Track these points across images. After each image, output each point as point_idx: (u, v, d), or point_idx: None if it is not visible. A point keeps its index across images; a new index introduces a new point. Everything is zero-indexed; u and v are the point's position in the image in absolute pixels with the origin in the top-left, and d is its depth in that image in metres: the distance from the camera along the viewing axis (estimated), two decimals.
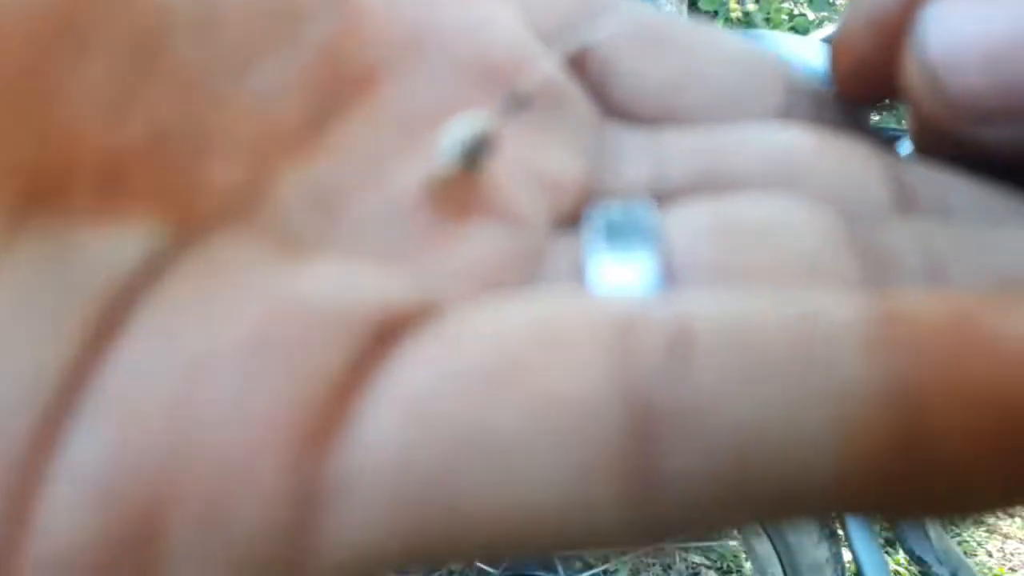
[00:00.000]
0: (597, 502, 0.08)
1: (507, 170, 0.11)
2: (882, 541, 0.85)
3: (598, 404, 0.08)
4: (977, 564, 1.16)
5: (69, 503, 0.08)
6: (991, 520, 1.20)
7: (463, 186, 0.11)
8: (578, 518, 0.08)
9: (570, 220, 0.12)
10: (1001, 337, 0.08)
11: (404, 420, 0.08)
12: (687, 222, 0.11)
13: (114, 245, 0.09)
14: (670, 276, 0.10)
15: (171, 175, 0.10)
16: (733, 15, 1.72)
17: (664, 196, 0.12)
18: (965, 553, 1.16)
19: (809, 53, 0.91)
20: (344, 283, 0.09)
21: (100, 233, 0.09)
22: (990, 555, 1.17)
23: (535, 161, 0.12)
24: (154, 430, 0.08)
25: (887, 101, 0.13)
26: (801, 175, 0.12)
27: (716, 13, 1.75)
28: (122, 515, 0.08)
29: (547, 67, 0.12)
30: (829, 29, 1.02)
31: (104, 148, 0.10)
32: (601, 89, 0.13)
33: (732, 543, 0.96)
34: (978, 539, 1.18)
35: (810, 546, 0.81)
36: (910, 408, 0.08)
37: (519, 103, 0.11)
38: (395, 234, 0.11)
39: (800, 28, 1.69)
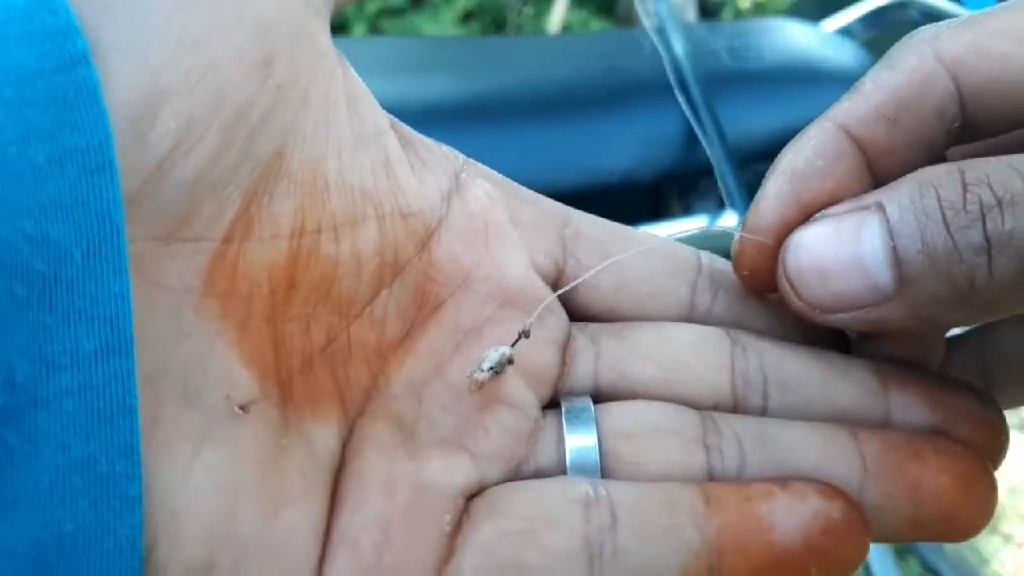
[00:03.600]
0: None
1: (516, 368, 0.18)
2: (895, 550, 0.81)
3: (572, 552, 0.16)
4: (991, 573, 1.13)
5: None
6: (1006, 529, 1.17)
7: (493, 384, 0.18)
8: None
9: (548, 400, 0.19)
10: (765, 517, 0.17)
11: (481, 556, 0.16)
12: (610, 422, 0.19)
13: (323, 432, 0.17)
14: (603, 459, 0.18)
15: (339, 377, 0.17)
16: (742, 5, 1.68)
17: (598, 394, 0.19)
18: (979, 562, 1.13)
19: (819, 43, 0.88)
20: (441, 473, 0.17)
21: (313, 421, 0.16)
22: (1004, 564, 1.14)
23: (530, 359, 0.19)
24: (367, 560, 0.16)
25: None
26: (680, 373, 0.19)
27: (724, 5, 1.71)
28: None
29: (543, 294, 0.19)
30: (840, 20, 0.99)
31: (305, 354, 0.17)
32: (566, 297, 0.20)
33: None
34: (992, 547, 1.15)
35: None
36: (714, 556, 0.16)
37: (525, 335, 0.18)
38: (454, 416, 0.18)
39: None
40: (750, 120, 0.71)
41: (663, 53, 0.73)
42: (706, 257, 0.21)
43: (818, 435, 0.18)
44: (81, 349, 0.13)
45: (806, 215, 0.18)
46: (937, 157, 0.18)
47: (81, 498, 0.13)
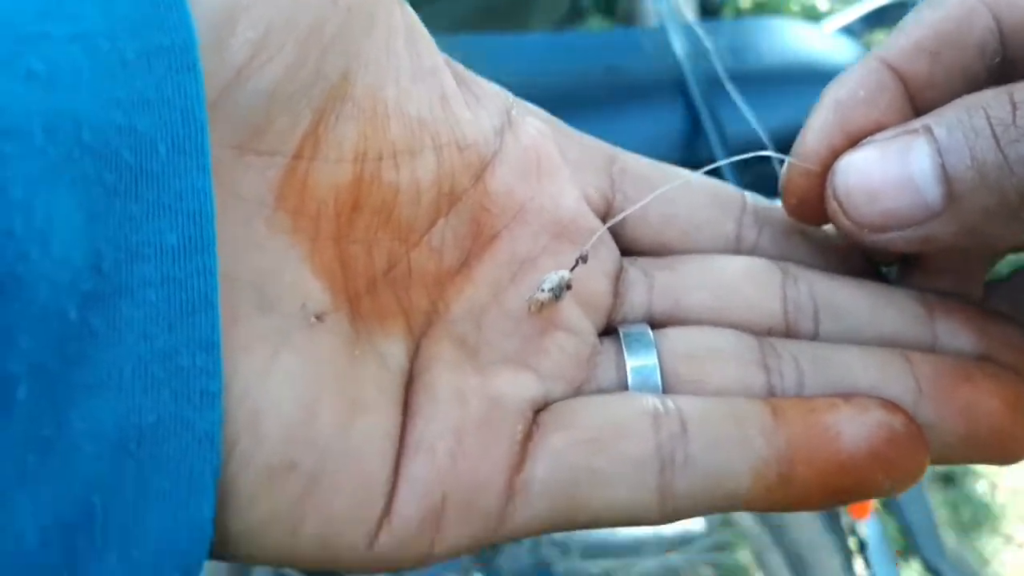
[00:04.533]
0: (644, 501, 0.17)
1: (571, 296, 0.19)
2: (895, 550, 0.81)
3: (644, 459, 0.17)
4: (991, 574, 1.13)
5: (412, 501, 0.16)
6: (1007, 529, 1.17)
7: (549, 309, 0.19)
8: (638, 509, 0.17)
9: (603, 328, 0.20)
10: (832, 426, 0.17)
11: (553, 462, 0.17)
12: (670, 346, 0.19)
13: (392, 347, 0.17)
14: (665, 378, 0.19)
15: (402, 299, 0.18)
16: (742, 5, 1.68)
17: (652, 322, 0.20)
18: (979, 562, 1.12)
19: (820, 43, 0.88)
20: (509, 386, 0.18)
21: (382, 336, 0.17)
22: (1005, 565, 1.14)
23: (585, 288, 0.19)
24: (443, 465, 0.16)
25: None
26: (733, 300, 0.20)
27: (724, 5, 1.71)
28: (431, 503, 0.16)
29: (595, 226, 0.20)
30: (841, 20, 0.99)
31: (369, 277, 0.17)
32: (616, 230, 0.21)
33: (743, 554, 0.92)
34: (993, 548, 1.15)
35: (823, 557, 0.77)
36: (784, 464, 0.17)
37: (583, 260, 0.19)
38: (514, 340, 0.19)
39: (812, 17, 1.65)
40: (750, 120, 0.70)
41: (671, 51, 0.72)
42: (750, 195, 0.22)
43: (872, 357, 0.19)
44: (165, 241, 0.13)
45: (852, 142, 0.19)
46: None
47: (162, 389, 0.13)
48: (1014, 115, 0.16)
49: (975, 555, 1.13)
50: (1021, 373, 0.19)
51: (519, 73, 0.77)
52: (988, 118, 0.16)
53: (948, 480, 1.23)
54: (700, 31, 0.78)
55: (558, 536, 0.77)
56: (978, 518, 1.19)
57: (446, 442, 0.16)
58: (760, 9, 1.71)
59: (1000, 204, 0.16)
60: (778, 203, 0.22)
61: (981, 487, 1.24)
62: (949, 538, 0.84)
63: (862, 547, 0.75)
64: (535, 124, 0.21)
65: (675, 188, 0.21)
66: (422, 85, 0.18)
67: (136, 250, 0.13)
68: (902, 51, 0.19)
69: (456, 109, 0.19)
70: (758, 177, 0.73)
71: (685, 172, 0.22)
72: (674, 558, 0.84)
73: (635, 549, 0.83)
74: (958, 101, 0.17)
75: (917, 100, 0.19)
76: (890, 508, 0.73)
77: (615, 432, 0.17)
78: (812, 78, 0.82)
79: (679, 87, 0.71)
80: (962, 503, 1.21)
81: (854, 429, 0.17)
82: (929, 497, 0.73)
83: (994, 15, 0.18)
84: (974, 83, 0.19)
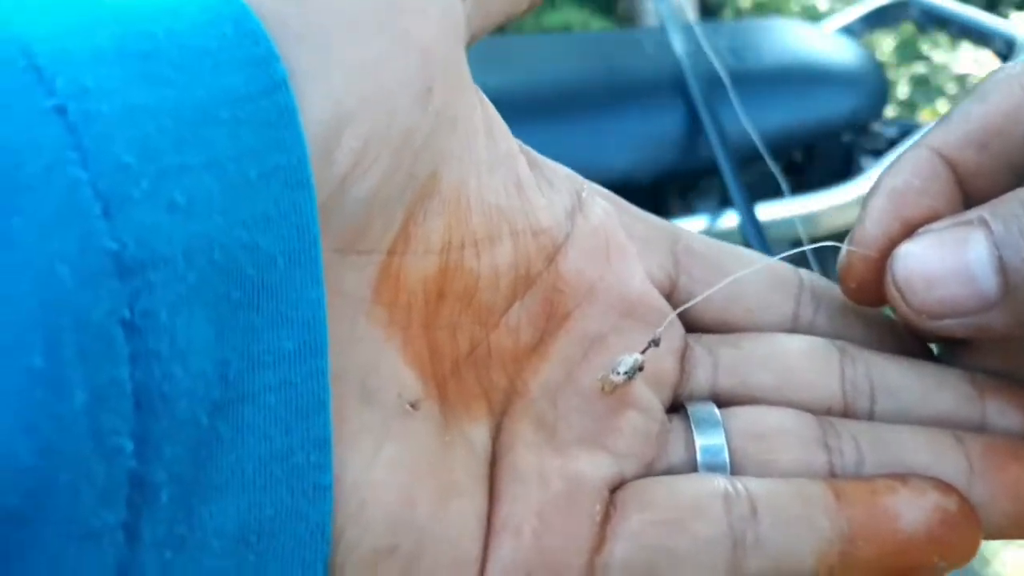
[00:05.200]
0: None
1: (640, 378, 0.19)
2: None
3: (717, 538, 0.17)
4: (992, 573, 1.13)
5: None
6: None
7: (622, 388, 0.19)
8: None
9: (669, 405, 0.20)
10: (891, 509, 0.18)
11: (632, 544, 0.17)
12: (736, 425, 0.20)
13: (477, 431, 0.18)
14: (732, 457, 0.19)
15: (484, 380, 0.18)
16: (742, 3, 1.68)
17: (717, 399, 0.20)
18: (979, 562, 1.12)
19: (820, 43, 0.88)
20: (588, 467, 0.18)
21: (468, 421, 0.18)
22: (1005, 564, 1.14)
23: (653, 366, 0.19)
24: (528, 546, 0.17)
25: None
26: (795, 379, 0.20)
27: (724, 5, 1.71)
28: None
29: (661, 305, 0.20)
30: (841, 20, 0.99)
31: (454, 360, 0.18)
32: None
33: None
34: (993, 548, 1.15)
35: None
36: (846, 543, 0.18)
37: (656, 344, 0.19)
38: (588, 419, 0.19)
39: (812, 17, 1.65)
40: (750, 119, 0.70)
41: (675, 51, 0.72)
42: (806, 274, 0.23)
43: (925, 437, 0.19)
44: (283, 348, 0.14)
45: (908, 230, 0.20)
46: None
47: (280, 485, 0.14)
48: None
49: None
50: None
51: (520, 73, 0.77)
52: None
53: None
54: (700, 31, 0.78)
55: None
56: None
57: (531, 524, 0.17)
58: (760, 9, 1.71)
59: None
60: (831, 282, 0.23)
61: None
62: None
63: None
64: (603, 205, 0.21)
65: (735, 267, 0.21)
66: (499, 174, 0.19)
67: (257, 358, 0.14)
68: (952, 143, 0.20)
69: (531, 195, 0.20)
70: (757, 176, 0.73)
71: (748, 252, 0.22)
72: None
73: None
74: (1011, 194, 0.18)
75: (967, 187, 0.20)
76: None
77: (691, 512, 0.18)
78: (812, 78, 0.83)
79: (679, 87, 0.71)
80: None
81: (912, 512, 0.18)
82: None
83: None
84: (1022, 171, 0.20)
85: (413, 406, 0.17)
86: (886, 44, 1.68)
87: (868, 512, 0.18)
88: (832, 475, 0.19)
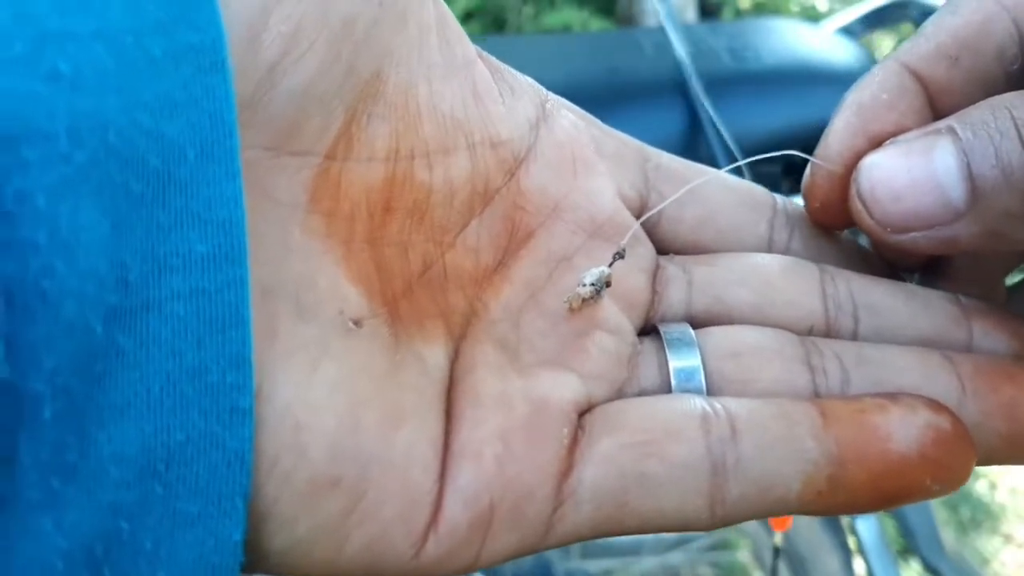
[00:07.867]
0: (695, 506, 0.16)
1: (609, 295, 0.18)
2: (896, 551, 0.81)
3: (694, 462, 0.16)
4: (992, 573, 1.13)
5: (459, 508, 0.15)
6: (1006, 529, 1.17)
7: (589, 306, 0.18)
8: (688, 515, 0.16)
9: (641, 327, 0.19)
10: (881, 428, 0.17)
11: (602, 467, 0.16)
12: (712, 344, 0.19)
13: (433, 351, 0.17)
14: (709, 379, 0.18)
15: (440, 301, 0.17)
16: (742, 4, 1.68)
17: (692, 320, 0.19)
18: (979, 562, 1.12)
19: (820, 43, 0.88)
20: (554, 389, 0.17)
21: (422, 341, 0.17)
22: (1004, 564, 1.14)
23: (622, 285, 0.19)
24: (490, 472, 0.16)
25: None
26: (775, 297, 0.19)
27: (724, 5, 1.71)
28: (479, 511, 0.15)
29: (631, 224, 0.19)
30: (841, 20, 0.99)
31: (405, 279, 0.17)
32: (651, 228, 0.21)
33: (742, 553, 0.93)
34: (993, 548, 1.15)
35: (823, 556, 0.77)
36: (834, 466, 0.17)
37: (621, 256, 0.18)
38: (554, 341, 0.18)
39: (812, 17, 1.65)
40: (750, 120, 0.71)
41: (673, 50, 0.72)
42: (780, 198, 0.22)
43: (914, 356, 0.18)
44: (193, 251, 0.13)
45: (874, 145, 0.19)
46: None
47: (191, 407, 0.13)
48: None
49: (975, 554, 1.13)
50: None
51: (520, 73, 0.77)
52: (1013, 119, 0.16)
53: None
54: (700, 31, 0.78)
55: None
56: (977, 517, 1.19)
57: (493, 448, 0.16)
58: (760, 9, 1.71)
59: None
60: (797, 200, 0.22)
61: (980, 486, 1.24)
62: (948, 537, 0.84)
63: (861, 547, 0.75)
64: (570, 118, 0.20)
65: (708, 187, 0.20)
66: (455, 81, 0.18)
67: (164, 261, 0.12)
68: (922, 56, 0.19)
69: (489, 104, 0.18)
70: (757, 176, 0.73)
71: (718, 172, 0.21)
72: (674, 557, 0.84)
73: (635, 549, 0.83)
74: (982, 103, 0.17)
75: (937, 104, 0.19)
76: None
77: (666, 434, 0.16)
78: (812, 78, 0.82)
79: (679, 87, 0.71)
80: (961, 502, 1.21)
81: (904, 430, 0.17)
82: None
83: (1014, 21, 0.18)
84: (993, 88, 0.19)
85: (356, 324, 0.15)
86: (886, 44, 1.68)
87: (857, 432, 0.17)
88: (816, 395, 0.18)
